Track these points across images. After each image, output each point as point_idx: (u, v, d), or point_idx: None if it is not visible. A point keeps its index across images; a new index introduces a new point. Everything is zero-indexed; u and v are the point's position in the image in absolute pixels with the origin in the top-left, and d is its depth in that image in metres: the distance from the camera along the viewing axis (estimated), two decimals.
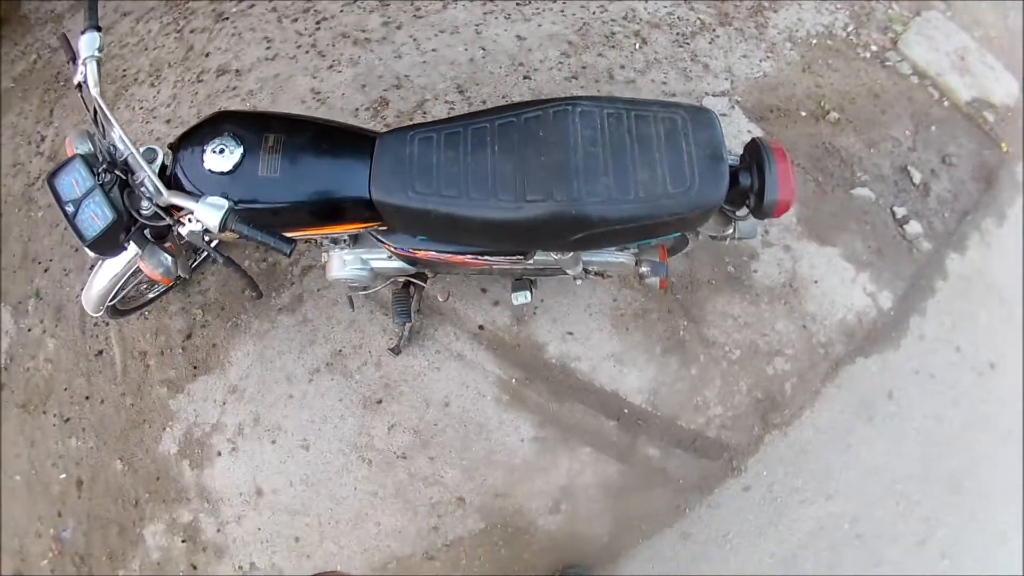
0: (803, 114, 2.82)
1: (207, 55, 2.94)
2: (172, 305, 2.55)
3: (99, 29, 1.51)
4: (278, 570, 2.30)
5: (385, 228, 1.73)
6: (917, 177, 2.80)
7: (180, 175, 1.51)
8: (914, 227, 2.72)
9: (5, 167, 3.01)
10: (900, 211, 2.73)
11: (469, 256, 1.81)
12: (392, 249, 1.83)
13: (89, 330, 2.61)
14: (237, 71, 2.82)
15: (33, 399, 2.62)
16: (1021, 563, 2.44)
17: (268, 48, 2.89)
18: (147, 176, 1.44)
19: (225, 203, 1.38)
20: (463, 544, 2.26)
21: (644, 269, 1.95)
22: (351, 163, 1.57)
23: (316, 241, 1.92)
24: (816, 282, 2.56)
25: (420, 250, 1.79)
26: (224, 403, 2.42)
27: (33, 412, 2.60)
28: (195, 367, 2.47)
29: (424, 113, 2.67)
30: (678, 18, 2.96)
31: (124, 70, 2.99)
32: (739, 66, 2.88)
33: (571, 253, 1.83)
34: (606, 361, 2.38)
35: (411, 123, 1.69)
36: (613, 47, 2.86)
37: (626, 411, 2.35)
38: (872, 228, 2.70)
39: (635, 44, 2.87)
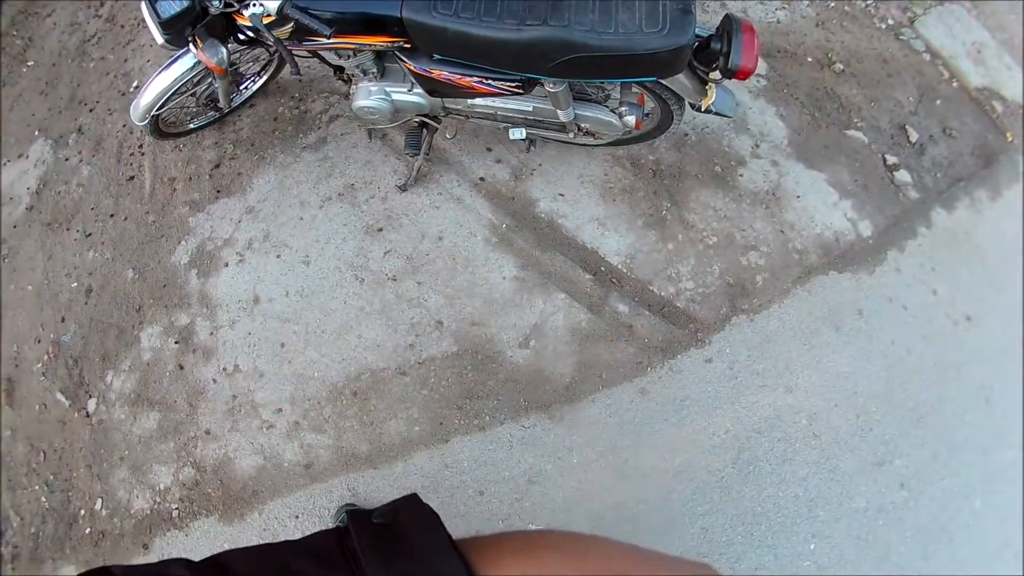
0: (809, 60, 3.57)
1: None
2: (206, 140, 3.31)
3: None
4: (259, 372, 2.90)
5: (409, 47, 2.43)
6: (914, 136, 3.48)
7: None
8: (903, 176, 3.39)
9: (63, 26, 3.89)
10: (891, 159, 3.41)
11: (476, 79, 2.50)
12: (412, 67, 2.54)
13: (124, 158, 3.37)
14: None
15: (59, 217, 3.34)
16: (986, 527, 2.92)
17: None
18: None
19: None
20: (434, 364, 2.87)
21: (623, 108, 2.67)
22: None
23: (348, 73, 2.66)
24: (799, 197, 3.23)
25: (435, 70, 2.49)
26: (240, 221, 3.12)
27: (56, 229, 3.32)
28: (218, 191, 3.20)
29: None
30: None
31: None
32: (754, 9, 3.67)
33: (562, 85, 2.55)
34: (590, 223, 3.06)
35: None
36: None
37: (603, 268, 2.99)
38: (861, 166, 3.37)
39: None
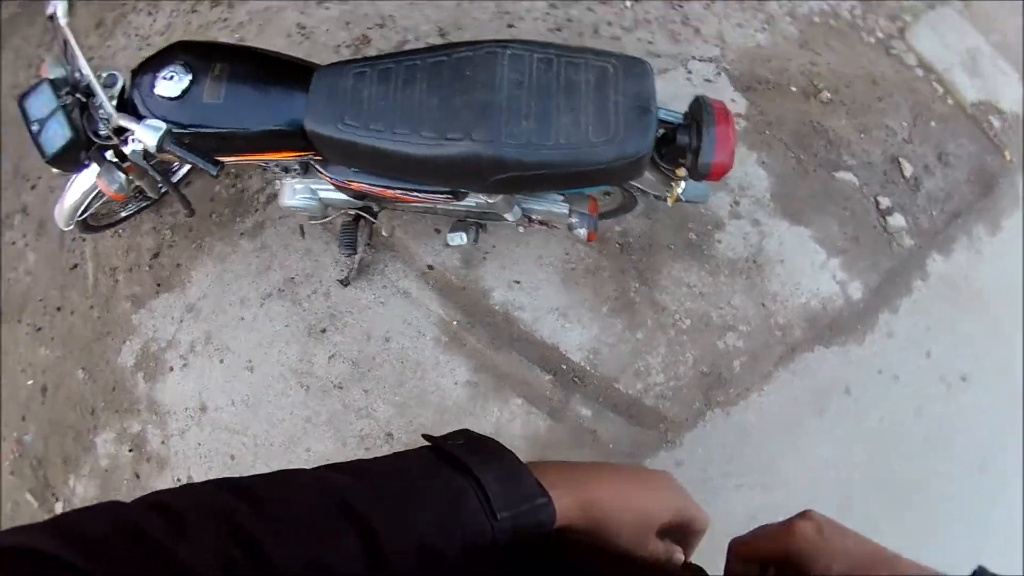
0: (794, 90, 2.86)
1: None
2: (145, 224, 2.74)
3: None
4: None
5: (321, 158, 1.85)
6: (908, 170, 2.81)
7: (136, 99, 1.66)
8: (897, 220, 2.74)
9: (4, 88, 3.28)
10: (884, 201, 2.75)
11: (400, 191, 1.91)
12: (330, 179, 1.96)
13: (67, 245, 2.82)
14: (230, 3, 2.98)
15: (10, 309, 2.85)
16: None
17: None
18: (101, 99, 1.60)
19: (163, 125, 1.53)
20: None
21: (573, 219, 2.04)
22: (289, 93, 1.67)
23: (267, 168, 2.07)
24: (782, 261, 2.60)
25: (354, 182, 1.91)
26: (181, 320, 2.59)
27: (9, 321, 2.83)
28: (159, 284, 2.65)
29: None
30: None
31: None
32: (732, 34, 2.92)
33: (498, 197, 1.94)
34: (550, 314, 2.46)
35: (350, 58, 1.84)
36: (604, 2, 2.93)
37: (564, 367, 2.42)
38: (852, 214, 2.72)
39: (626, 2, 2.95)
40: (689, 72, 2.79)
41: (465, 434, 0.67)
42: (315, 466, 0.61)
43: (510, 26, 2.85)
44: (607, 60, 1.59)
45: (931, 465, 2.58)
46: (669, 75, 2.78)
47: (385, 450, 2.39)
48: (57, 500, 2.64)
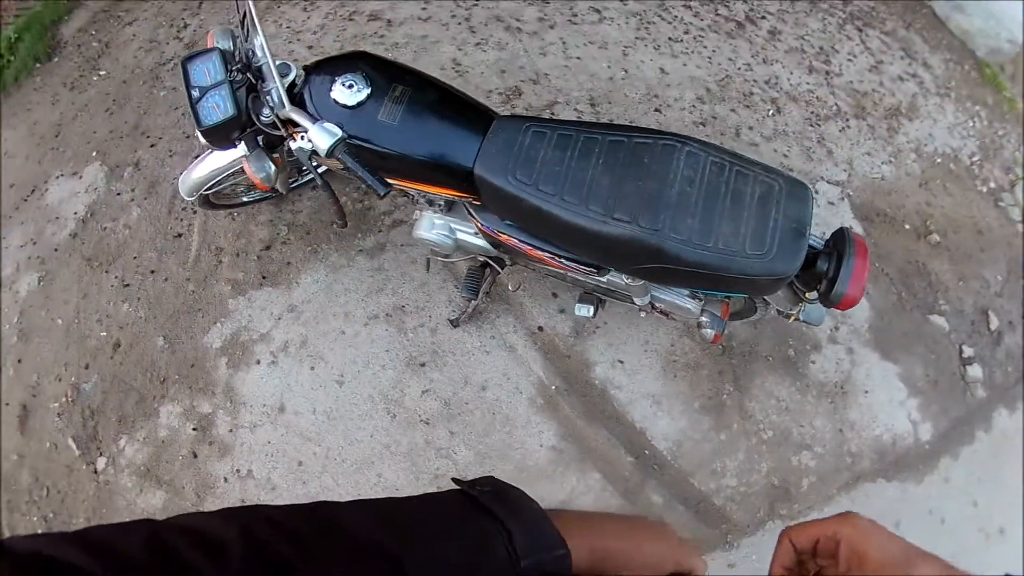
0: (907, 227, 2.89)
1: None
2: (261, 215, 2.71)
3: None
4: (272, 485, 2.42)
5: (478, 204, 1.84)
6: (994, 323, 2.85)
7: (306, 96, 1.65)
8: (976, 371, 2.78)
9: (141, 40, 3.21)
10: (968, 351, 2.79)
11: (547, 254, 1.90)
12: (479, 225, 1.94)
13: (176, 212, 2.79)
14: (389, 21, 2.97)
15: (100, 256, 2.80)
16: None
17: (424, 9, 3.05)
18: (276, 87, 1.57)
19: (339, 132, 1.51)
20: None
21: (704, 319, 2.05)
22: (465, 134, 1.67)
23: (413, 197, 2.04)
24: (867, 392, 2.63)
25: (504, 234, 1.90)
26: (280, 318, 2.57)
27: (96, 268, 2.78)
28: (264, 277, 2.63)
29: (552, 114, 2.79)
30: (817, 98, 3.05)
31: None
32: (860, 162, 2.96)
33: (641, 281, 1.93)
34: (645, 399, 2.48)
35: (531, 115, 1.80)
36: (748, 107, 2.96)
37: (647, 452, 2.44)
38: (936, 359, 2.76)
39: (769, 110, 2.97)
40: (816, 192, 2.81)
41: (491, 481, 0.69)
42: (351, 500, 0.61)
43: (657, 110, 2.86)
44: (775, 178, 1.61)
45: None
46: None
47: None
48: (101, 455, 2.59)
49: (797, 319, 1.96)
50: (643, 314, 2.40)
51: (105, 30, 3.28)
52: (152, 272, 2.73)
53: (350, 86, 1.63)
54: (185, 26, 3.14)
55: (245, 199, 2.61)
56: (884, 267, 2.79)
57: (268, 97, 1.61)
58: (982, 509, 2.71)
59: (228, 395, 2.54)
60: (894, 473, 2.63)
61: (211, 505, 2.45)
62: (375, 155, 1.66)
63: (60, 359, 2.71)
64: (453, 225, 2.08)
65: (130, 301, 2.72)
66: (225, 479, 2.47)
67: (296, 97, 1.66)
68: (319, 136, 1.50)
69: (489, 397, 2.45)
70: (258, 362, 2.54)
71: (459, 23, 2.97)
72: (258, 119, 1.65)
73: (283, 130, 1.66)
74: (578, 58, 2.94)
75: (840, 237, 1.66)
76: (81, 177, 2.96)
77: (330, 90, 1.63)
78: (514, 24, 2.99)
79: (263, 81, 1.63)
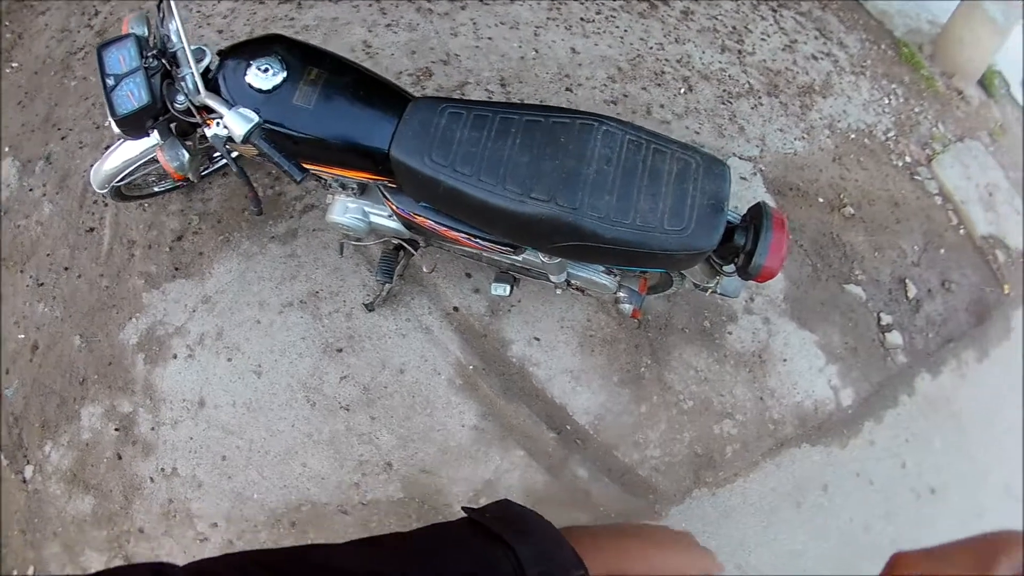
0: (820, 200, 2.96)
1: None
2: (172, 204, 2.67)
3: None
4: (198, 482, 2.39)
5: (394, 186, 1.83)
6: (912, 292, 2.93)
7: (221, 81, 1.62)
8: (895, 338, 2.85)
9: (53, 30, 3.15)
10: (886, 318, 2.86)
11: (463, 235, 1.91)
12: (395, 208, 1.93)
13: (87, 206, 2.73)
14: (299, 3, 2.95)
15: (15, 255, 2.73)
16: None
17: None
18: (190, 73, 1.55)
19: (255, 117, 1.50)
20: (378, 507, 2.36)
21: (621, 294, 2.08)
22: (381, 116, 1.66)
23: (325, 182, 2.04)
24: (785, 361, 2.69)
25: (420, 216, 1.89)
26: (194, 310, 2.53)
27: (11, 268, 2.71)
28: (177, 268, 2.59)
29: (462, 94, 2.80)
30: (729, 76, 3.11)
31: None
32: (773, 138, 3.02)
33: (559, 259, 1.95)
34: (563, 375, 2.50)
35: (443, 96, 1.81)
36: (659, 85, 3.00)
37: (568, 427, 2.46)
38: (854, 326, 2.82)
39: (681, 88, 3.02)
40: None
41: (503, 506, 0.70)
42: (353, 540, 0.62)
43: (568, 90, 2.89)
44: (692, 155, 1.64)
45: None
46: None
47: (381, 479, 2.38)
48: (28, 463, 2.53)
49: (714, 292, 2.00)
50: (559, 291, 2.42)
51: (18, 20, 3.20)
52: (66, 269, 2.67)
53: (265, 70, 1.61)
54: (96, 13, 3.07)
55: (157, 189, 2.57)
56: (798, 239, 2.85)
57: (183, 83, 1.58)
58: (911, 470, 2.79)
59: (147, 392, 2.49)
60: (817, 437, 2.69)
61: (140, 509, 2.41)
62: (291, 140, 1.64)
63: None
64: (367, 208, 2.07)
65: (45, 301, 2.66)
66: (151, 479, 2.43)
67: (211, 83, 1.64)
68: (234, 122, 1.49)
69: (408, 380, 2.45)
70: (175, 356, 2.50)
71: (369, 4, 2.96)
72: (173, 106, 1.62)
73: (197, 117, 1.63)
74: (489, 38, 2.96)
75: (757, 211, 1.69)
76: None
77: (245, 75, 1.61)
78: (425, 5, 2.99)
79: (178, 67, 1.60)
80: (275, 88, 1.61)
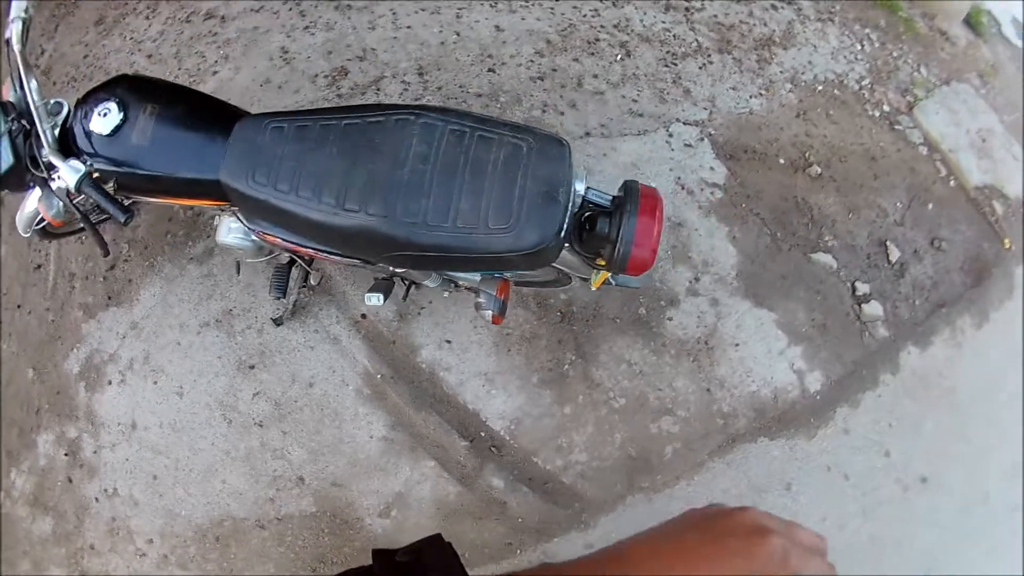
0: (781, 161, 2.65)
1: None
2: (106, 235, 2.74)
3: None
4: (135, 501, 2.46)
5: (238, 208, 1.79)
6: (895, 255, 2.58)
7: (75, 131, 1.59)
8: (874, 308, 2.52)
9: None
10: (862, 288, 2.54)
11: (311, 250, 1.84)
12: (248, 228, 1.90)
13: (34, 244, 2.85)
14: (223, 17, 2.93)
15: None
16: None
17: None
18: (40, 130, 1.53)
19: (82, 168, 1.48)
20: (292, 522, 2.34)
21: (480, 299, 1.92)
22: (211, 141, 1.59)
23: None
24: (737, 345, 2.43)
25: (269, 235, 1.85)
26: (124, 336, 2.59)
27: None
28: (109, 297, 2.65)
29: (378, 90, 2.70)
30: (674, 36, 2.83)
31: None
32: (725, 98, 2.73)
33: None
34: (476, 378, 2.36)
35: (273, 111, 1.73)
36: (593, 54, 2.77)
37: (482, 434, 2.33)
38: (823, 300, 2.52)
39: (617, 55, 2.77)
40: (670, 135, 2.61)
41: (429, 547, 0.66)
42: None
43: (491, 70, 2.72)
44: (524, 138, 1.46)
45: (874, 568, 2.41)
46: (648, 137, 2.61)
47: (294, 493, 2.36)
48: None
49: (608, 283, 1.82)
50: (446, 294, 2.29)
51: None
52: (19, 307, 2.81)
53: (104, 114, 1.57)
54: (43, 52, 3.18)
55: (80, 225, 2.65)
56: (754, 207, 2.57)
57: (40, 140, 1.58)
58: (896, 459, 2.49)
59: (89, 418, 2.58)
60: (778, 430, 2.42)
61: (90, 528, 2.51)
62: (137, 178, 1.60)
63: None
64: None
65: (4, 338, 2.81)
66: (96, 499, 2.52)
67: (69, 133, 1.63)
68: (67, 174, 1.49)
69: (317, 393, 2.40)
70: (110, 382, 2.57)
71: (290, 9, 2.90)
72: (40, 162, 1.60)
73: (48, 171, 1.61)
74: (408, 27, 2.83)
75: (624, 193, 1.50)
76: None
77: (89, 121, 1.58)
78: (343, 2, 2.91)
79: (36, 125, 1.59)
80: (115, 130, 1.57)
